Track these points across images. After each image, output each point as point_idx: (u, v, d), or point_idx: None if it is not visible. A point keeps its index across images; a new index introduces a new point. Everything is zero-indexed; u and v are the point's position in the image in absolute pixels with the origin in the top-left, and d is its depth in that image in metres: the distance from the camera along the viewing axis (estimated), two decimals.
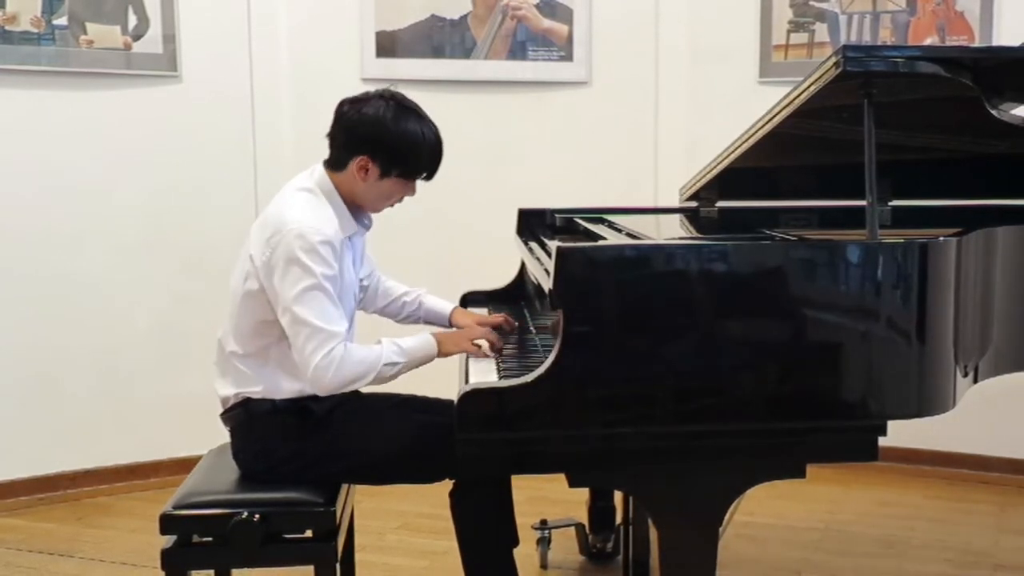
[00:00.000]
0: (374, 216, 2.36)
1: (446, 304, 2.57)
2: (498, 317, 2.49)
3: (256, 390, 2.19)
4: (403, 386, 2.44)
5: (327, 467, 2.18)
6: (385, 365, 2.12)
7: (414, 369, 2.20)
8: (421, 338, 2.22)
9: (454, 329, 2.48)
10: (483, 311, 2.74)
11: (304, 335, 2.06)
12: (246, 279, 2.17)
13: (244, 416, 2.21)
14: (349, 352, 2.09)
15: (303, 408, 2.20)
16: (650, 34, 4.03)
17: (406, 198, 2.31)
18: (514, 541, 2.28)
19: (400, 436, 2.20)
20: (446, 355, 2.25)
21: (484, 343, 2.28)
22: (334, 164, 2.23)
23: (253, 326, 2.18)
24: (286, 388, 2.19)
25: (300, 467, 2.17)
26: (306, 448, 2.18)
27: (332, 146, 2.24)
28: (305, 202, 2.17)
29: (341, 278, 2.16)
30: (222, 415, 2.27)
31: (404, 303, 2.55)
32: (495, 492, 2.25)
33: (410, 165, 2.20)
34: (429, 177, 2.26)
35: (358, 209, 2.28)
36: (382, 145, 2.17)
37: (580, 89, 4.04)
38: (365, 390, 2.35)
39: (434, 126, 2.22)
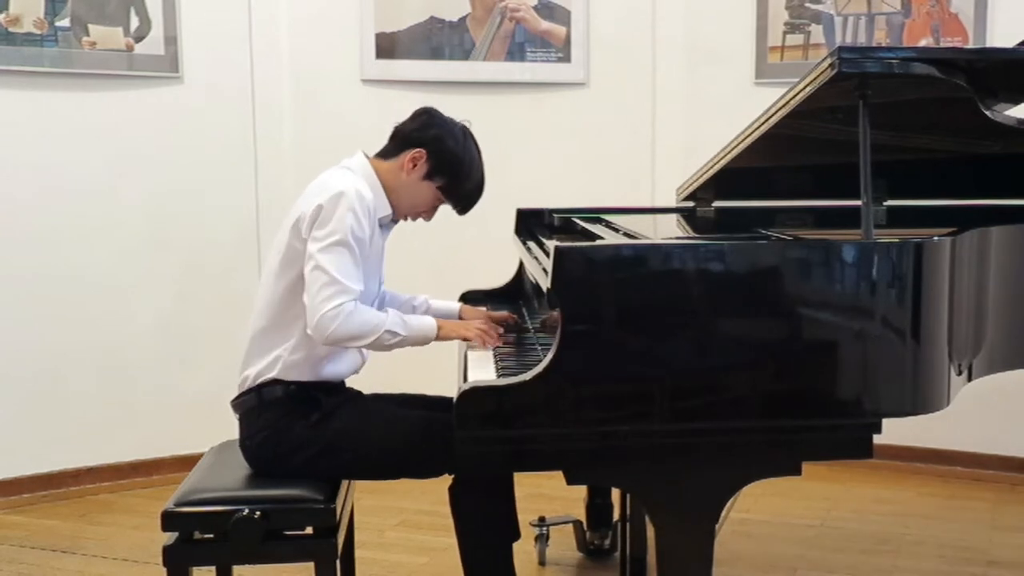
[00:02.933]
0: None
1: (453, 304, 2.63)
2: (503, 314, 2.58)
3: (274, 369, 2.23)
4: (405, 385, 2.47)
5: (330, 460, 2.20)
6: (387, 332, 2.18)
7: (413, 346, 2.27)
8: (424, 318, 2.33)
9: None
10: (482, 310, 2.76)
11: (320, 282, 2.13)
12: (280, 254, 2.23)
13: (255, 401, 2.25)
14: (358, 310, 2.15)
15: (312, 398, 2.24)
16: (647, 36, 4.06)
17: (414, 223, 2.41)
18: (515, 535, 2.31)
19: (402, 431, 2.23)
20: (444, 339, 2.32)
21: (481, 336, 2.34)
22: (385, 152, 2.34)
23: (285, 299, 2.23)
24: (302, 369, 2.23)
25: (304, 459, 2.20)
26: (311, 438, 2.21)
27: (393, 136, 2.34)
28: (345, 176, 2.27)
29: (370, 246, 2.22)
30: (233, 401, 2.30)
31: (413, 307, 2.59)
32: (494, 488, 2.27)
33: (455, 181, 2.32)
34: (461, 206, 2.38)
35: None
36: (443, 148, 2.30)
37: (578, 90, 4.06)
38: (370, 390, 2.39)
39: (484, 172, 2.37)
